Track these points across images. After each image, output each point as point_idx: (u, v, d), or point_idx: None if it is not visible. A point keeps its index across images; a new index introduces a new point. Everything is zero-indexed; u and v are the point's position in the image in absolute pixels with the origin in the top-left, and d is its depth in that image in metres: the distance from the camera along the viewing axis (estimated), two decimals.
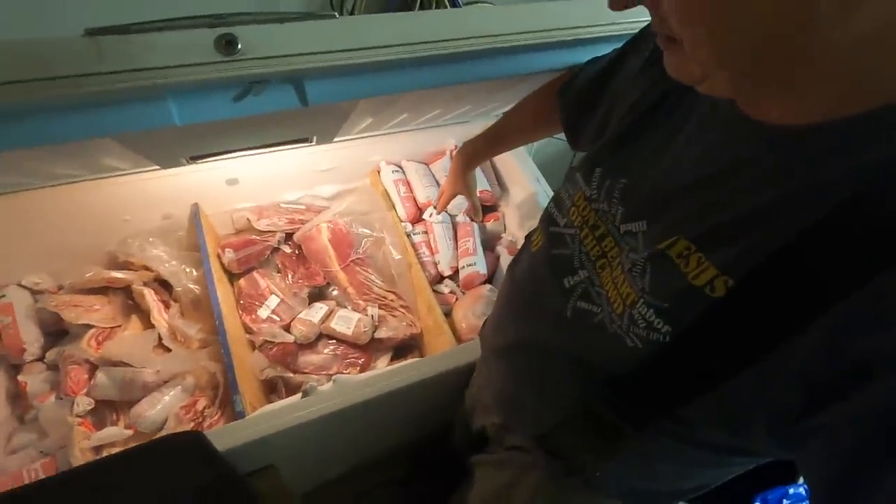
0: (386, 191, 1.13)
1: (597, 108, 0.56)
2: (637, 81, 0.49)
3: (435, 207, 0.98)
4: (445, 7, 0.97)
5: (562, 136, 0.67)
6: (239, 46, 0.49)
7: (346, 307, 1.04)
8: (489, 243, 1.14)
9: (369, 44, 0.55)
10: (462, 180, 0.88)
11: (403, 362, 0.95)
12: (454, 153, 0.90)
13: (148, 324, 0.98)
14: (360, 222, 1.07)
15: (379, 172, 1.16)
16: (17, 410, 0.92)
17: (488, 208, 1.16)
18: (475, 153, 0.85)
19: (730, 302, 0.34)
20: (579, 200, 0.48)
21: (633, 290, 0.40)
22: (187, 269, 0.99)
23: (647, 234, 0.41)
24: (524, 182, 1.10)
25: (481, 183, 1.12)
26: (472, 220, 1.11)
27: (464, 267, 1.06)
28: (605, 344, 0.43)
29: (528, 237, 0.61)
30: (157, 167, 0.90)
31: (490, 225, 1.15)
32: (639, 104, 0.47)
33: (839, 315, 0.29)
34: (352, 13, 0.95)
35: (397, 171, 1.15)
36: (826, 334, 0.30)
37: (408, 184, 1.14)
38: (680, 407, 0.40)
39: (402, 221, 1.10)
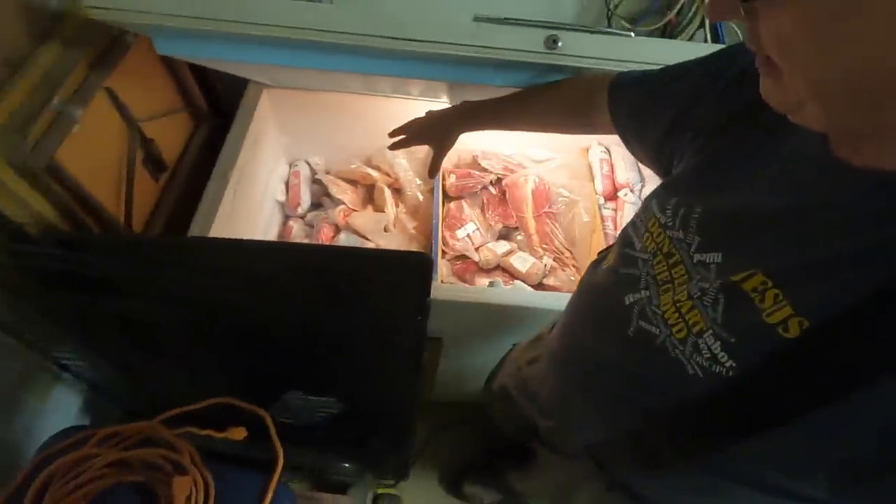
0: (590, 165, 1.25)
1: (657, 121, 0.52)
2: (715, 108, 0.46)
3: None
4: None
5: None
6: (560, 45, 0.67)
7: (525, 252, 1.20)
8: None
9: (636, 59, 0.69)
10: (448, 136, 0.79)
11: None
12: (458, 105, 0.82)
13: (377, 213, 1.27)
14: (561, 184, 1.21)
15: (588, 150, 1.28)
16: None
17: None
18: (481, 118, 0.77)
19: (803, 344, 0.33)
20: (654, 227, 0.47)
21: (703, 319, 0.39)
22: (417, 182, 1.26)
23: (721, 265, 0.39)
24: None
25: (623, 175, 1.18)
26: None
27: None
28: (665, 367, 0.42)
29: (601, 253, 0.63)
30: (425, 99, 1.15)
31: None
32: (717, 134, 0.45)
33: None
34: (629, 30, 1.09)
35: (605, 152, 1.26)
36: None
37: (611, 165, 1.24)
38: (734, 444, 0.39)
39: (597, 194, 1.22)
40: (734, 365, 0.37)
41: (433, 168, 0.84)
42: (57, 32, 0.70)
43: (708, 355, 0.38)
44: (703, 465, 0.42)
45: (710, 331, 0.38)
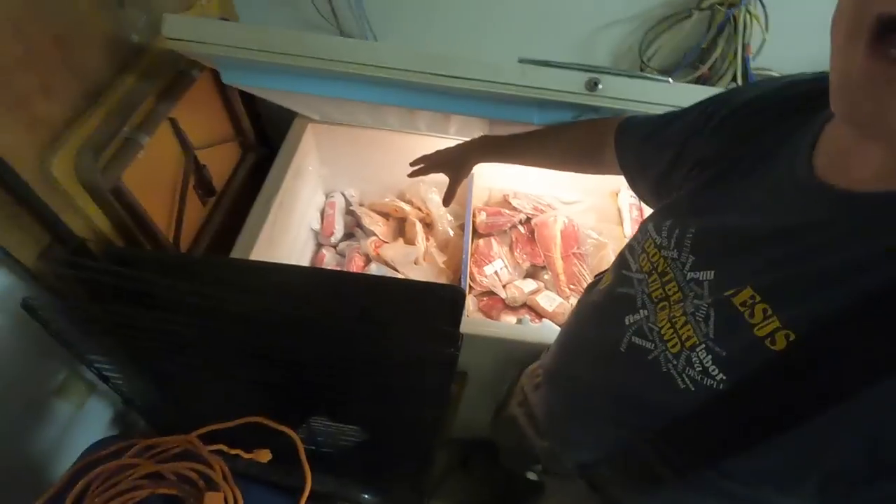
0: (620, 209, 1.27)
1: (659, 159, 0.55)
2: (708, 142, 0.49)
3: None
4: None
5: None
6: (600, 87, 0.71)
7: (552, 291, 1.20)
8: None
9: (671, 102, 0.71)
10: (464, 165, 0.82)
11: None
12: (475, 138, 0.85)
13: (408, 245, 1.30)
14: (590, 226, 1.23)
15: (618, 194, 1.30)
16: None
17: None
18: (495, 151, 0.81)
19: (790, 356, 0.34)
20: (650, 248, 0.49)
21: (696, 334, 0.41)
22: (448, 217, 1.29)
23: (714, 282, 0.41)
24: None
25: None
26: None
27: None
28: (656, 382, 0.44)
29: (597, 276, 0.64)
30: (460, 137, 1.20)
31: None
32: (710, 162, 0.48)
33: None
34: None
35: (634, 196, 1.28)
36: (893, 396, 0.30)
37: (640, 209, 1.26)
38: (725, 459, 0.40)
39: (625, 238, 1.23)
40: (725, 378, 0.38)
41: (448, 196, 0.87)
42: (134, 65, 0.77)
43: (700, 369, 0.40)
44: (695, 483, 0.43)
45: (703, 345, 0.40)
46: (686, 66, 1.12)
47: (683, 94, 0.72)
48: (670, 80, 0.76)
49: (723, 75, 1.10)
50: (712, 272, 0.42)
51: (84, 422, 0.90)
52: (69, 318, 0.66)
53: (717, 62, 1.10)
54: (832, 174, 0.36)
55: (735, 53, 1.06)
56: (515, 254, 1.25)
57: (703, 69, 1.10)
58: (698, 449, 0.42)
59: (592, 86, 0.72)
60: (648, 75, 0.76)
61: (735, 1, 0.99)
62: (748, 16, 1.01)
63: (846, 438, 0.33)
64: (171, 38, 0.70)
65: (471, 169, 0.84)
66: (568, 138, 0.75)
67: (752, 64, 1.07)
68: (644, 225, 0.53)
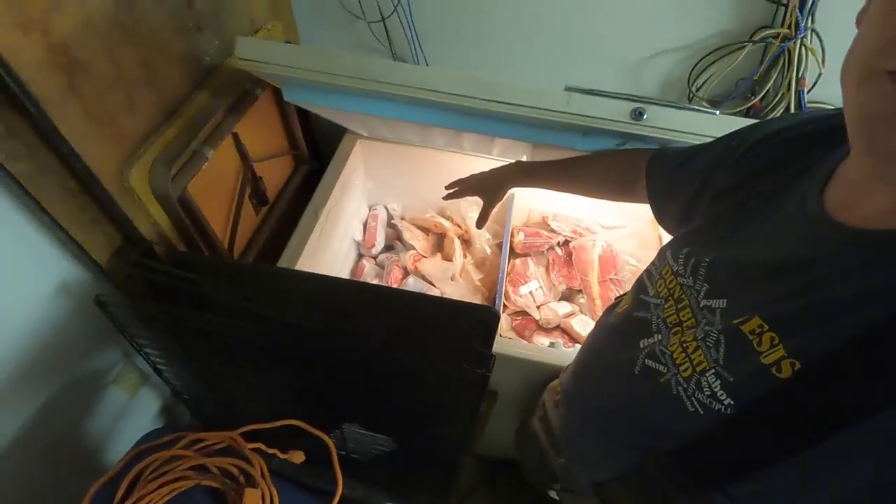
0: (661, 237, 1.25)
1: (684, 191, 0.57)
2: (731, 174, 0.50)
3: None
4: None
5: None
6: (645, 117, 0.73)
7: (586, 315, 1.20)
8: None
9: (717, 134, 0.71)
10: (499, 189, 0.84)
11: None
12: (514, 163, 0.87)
13: (446, 261, 1.32)
14: (629, 252, 1.22)
15: None
16: None
17: None
18: (530, 177, 0.82)
19: (795, 385, 0.35)
20: (667, 274, 0.51)
21: (706, 360, 0.42)
22: (487, 236, 1.31)
23: (725, 310, 0.43)
24: None
25: None
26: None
27: None
28: (667, 405, 0.45)
29: (617, 298, 0.65)
30: (503, 158, 1.22)
31: None
32: (728, 194, 0.49)
33: None
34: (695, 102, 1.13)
35: None
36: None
37: None
38: (732, 482, 0.41)
39: None
40: (732, 403, 0.39)
41: (481, 218, 0.89)
42: (205, 84, 0.84)
43: (708, 393, 0.41)
44: None
45: (713, 370, 0.41)
46: (737, 96, 1.11)
47: (729, 126, 0.71)
48: (717, 112, 0.76)
49: (775, 107, 1.08)
50: (725, 301, 0.43)
51: (136, 410, 0.97)
52: (134, 314, 0.72)
53: (769, 94, 1.08)
54: (842, 211, 0.37)
55: (789, 86, 1.04)
56: (552, 275, 1.26)
57: (754, 101, 1.09)
58: (706, 471, 0.43)
59: (637, 115, 0.73)
60: (695, 107, 0.76)
61: (790, 35, 0.97)
62: (803, 49, 0.99)
63: (851, 466, 0.34)
64: (242, 59, 0.76)
65: (505, 193, 0.86)
66: (602, 168, 0.77)
67: (808, 97, 1.05)
68: (663, 251, 0.54)
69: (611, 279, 1.19)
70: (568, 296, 1.27)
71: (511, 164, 0.85)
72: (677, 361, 0.45)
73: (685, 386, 0.43)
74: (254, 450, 0.68)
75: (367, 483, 0.93)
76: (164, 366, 0.86)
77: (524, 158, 1.09)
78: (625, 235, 1.27)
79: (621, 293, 1.19)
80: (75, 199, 0.66)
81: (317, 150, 1.28)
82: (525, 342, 1.09)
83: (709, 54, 1.07)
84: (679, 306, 0.48)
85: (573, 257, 1.26)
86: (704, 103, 1.13)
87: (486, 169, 0.89)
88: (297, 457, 0.78)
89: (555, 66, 1.17)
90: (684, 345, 0.45)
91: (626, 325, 0.55)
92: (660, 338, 0.49)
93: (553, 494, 0.79)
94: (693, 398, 0.42)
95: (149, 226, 0.77)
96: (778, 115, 1.09)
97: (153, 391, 1.01)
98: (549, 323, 1.18)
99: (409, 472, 1.02)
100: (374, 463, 0.98)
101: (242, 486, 0.60)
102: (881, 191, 0.35)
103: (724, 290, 0.44)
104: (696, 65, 1.09)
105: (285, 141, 1.16)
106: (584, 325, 1.14)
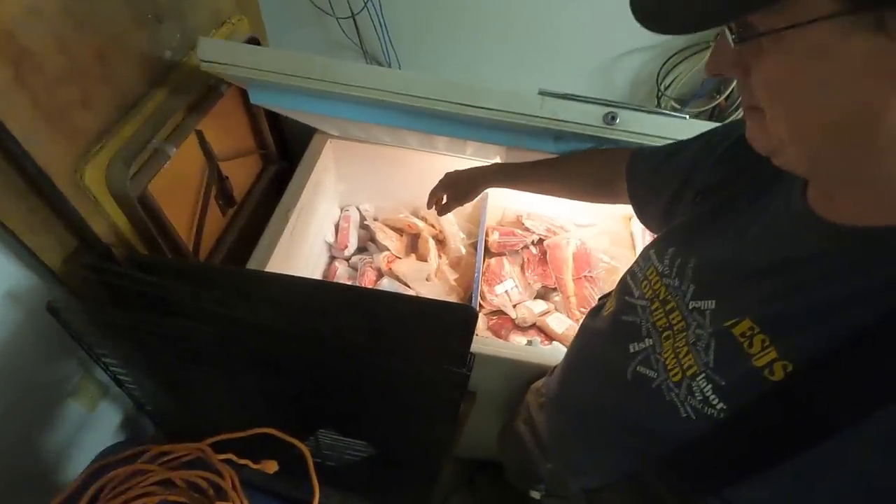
0: (632, 234, 1.27)
1: (666, 189, 0.57)
2: (711, 172, 0.50)
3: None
4: None
5: None
6: (617, 121, 0.73)
7: (562, 313, 1.20)
8: None
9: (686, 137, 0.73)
10: (473, 189, 0.84)
11: None
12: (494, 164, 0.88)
13: (420, 262, 1.31)
14: (602, 249, 1.23)
15: (631, 219, 1.31)
16: None
17: None
18: (507, 178, 0.82)
19: (788, 386, 0.35)
20: (651, 275, 0.50)
21: (697, 364, 0.41)
22: (461, 235, 1.30)
23: (715, 312, 0.42)
24: None
25: None
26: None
27: None
28: (659, 410, 0.44)
29: (601, 300, 0.65)
30: (475, 158, 1.22)
31: None
32: (711, 192, 0.49)
33: None
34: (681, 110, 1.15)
35: None
36: (890, 428, 0.31)
37: (653, 235, 1.26)
38: (726, 486, 0.40)
39: None
40: (725, 407, 0.39)
41: (445, 209, 0.89)
42: (167, 79, 0.80)
43: (700, 398, 0.40)
44: None
45: (703, 374, 0.41)
46: (703, 96, 1.13)
47: (699, 130, 0.73)
48: (687, 116, 0.77)
49: (739, 107, 1.11)
50: (713, 302, 0.43)
51: (95, 424, 0.91)
52: (91, 321, 0.68)
53: (734, 93, 1.11)
54: (823, 207, 0.37)
55: None
56: (527, 274, 1.26)
57: (720, 99, 1.12)
58: (700, 476, 0.42)
59: (610, 119, 0.74)
60: (666, 111, 0.77)
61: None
62: None
63: (844, 468, 0.33)
64: (204, 61, 0.72)
65: (478, 193, 0.86)
66: (580, 169, 0.77)
67: None
68: (646, 251, 0.54)
69: (585, 276, 1.20)
70: (543, 294, 1.27)
71: (490, 166, 0.85)
72: (668, 367, 0.45)
73: (676, 391, 0.43)
74: (224, 461, 0.64)
75: (343, 490, 0.91)
76: (124, 376, 0.81)
77: (498, 159, 1.09)
78: (598, 233, 1.28)
79: (597, 290, 1.21)
80: (24, 200, 0.61)
81: (286, 149, 1.25)
82: (502, 341, 1.09)
83: (675, 54, 1.09)
84: (667, 308, 0.47)
85: (548, 256, 1.26)
86: (673, 102, 1.16)
87: (461, 168, 0.89)
88: (271, 466, 0.74)
89: (528, 66, 1.17)
90: (676, 350, 0.44)
91: (613, 329, 0.54)
92: (651, 343, 0.48)
93: (535, 495, 0.78)
94: (685, 404, 0.42)
95: (106, 227, 0.72)
96: (741, 113, 1.12)
97: (114, 403, 0.96)
98: (526, 321, 1.17)
99: (389, 478, 1.00)
100: (351, 469, 0.95)
101: (213, 500, 0.57)
102: (849, 190, 0.35)
103: (712, 291, 0.43)
104: (663, 64, 1.11)
105: (253, 139, 1.12)
106: (559, 323, 1.15)
